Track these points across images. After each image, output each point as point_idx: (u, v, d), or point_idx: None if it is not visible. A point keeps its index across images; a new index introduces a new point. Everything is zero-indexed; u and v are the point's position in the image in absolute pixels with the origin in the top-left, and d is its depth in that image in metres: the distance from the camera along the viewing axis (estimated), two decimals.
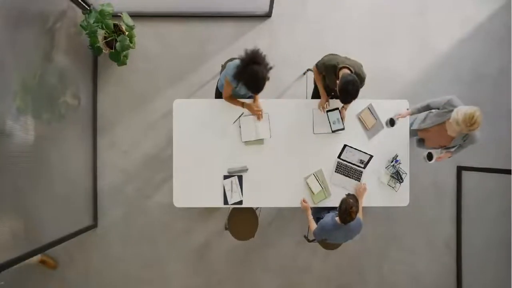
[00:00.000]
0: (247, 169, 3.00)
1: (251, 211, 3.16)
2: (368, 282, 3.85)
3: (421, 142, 3.12)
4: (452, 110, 2.54)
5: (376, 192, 3.05)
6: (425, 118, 2.96)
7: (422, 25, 3.90)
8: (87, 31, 3.30)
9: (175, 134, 3.00)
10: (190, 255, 3.77)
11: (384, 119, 3.05)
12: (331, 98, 3.14)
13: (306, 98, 3.72)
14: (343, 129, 3.01)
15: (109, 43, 3.52)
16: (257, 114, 2.93)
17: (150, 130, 3.76)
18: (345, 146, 2.96)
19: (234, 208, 3.15)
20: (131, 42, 3.50)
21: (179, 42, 3.78)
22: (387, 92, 3.84)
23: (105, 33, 3.47)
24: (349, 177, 3.04)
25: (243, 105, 2.92)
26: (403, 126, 3.07)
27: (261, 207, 3.48)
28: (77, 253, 3.73)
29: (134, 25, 3.47)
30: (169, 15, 3.74)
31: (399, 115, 2.94)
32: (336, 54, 2.77)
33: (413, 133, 3.14)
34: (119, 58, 3.48)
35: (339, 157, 3.02)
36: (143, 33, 3.73)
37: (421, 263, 3.87)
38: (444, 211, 3.86)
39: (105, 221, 3.74)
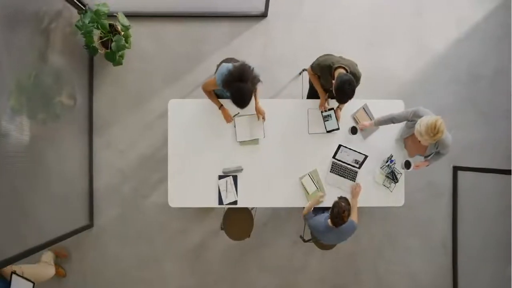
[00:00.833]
0: (242, 169, 3.00)
1: (246, 211, 3.17)
2: (364, 282, 3.85)
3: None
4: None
5: (371, 192, 3.05)
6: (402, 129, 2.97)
7: (418, 25, 3.90)
8: (82, 31, 3.30)
9: (170, 134, 3.00)
10: (186, 255, 3.77)
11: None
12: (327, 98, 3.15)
13: (302, 98, 3.73)
14: (338, 129, 3.01)
15: (105, 43, 3.51)
16: (228, 121, 2.95)
17: (146, 130, 3.76)
18: (340, 146, 2.96)
19: (229, 208, 3.16)
20: (126, 42, 3.50)
21: (175, 42, 3.78)
22: (384, 92, 3.84)
23: (100, 33, 3.47)
24: (344, 177, 3.04)
25: (220, 106, 2.92)
26: (398, 126, 3.07)
27: (256, 207, 3.48)
28: (73, 253, 3.74)
29: (130, 25, 3.47)
30: (165, 15, 3.74)
31: (362, 125, 2.97)
32: (330, 54, 2.77)
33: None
34: (114, 58, 3.48)
35: (334, 157, 3.02)
36: (139, 33, 3.73)
37: (417, 263, 3.87)
38: (440, 211, 3.86)
39: (101, 221, 3.74)
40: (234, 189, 3.00)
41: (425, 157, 2.86)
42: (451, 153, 3.83)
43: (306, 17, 3.84)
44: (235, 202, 3.00)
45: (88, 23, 3.28)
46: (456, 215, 3.84)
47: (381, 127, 3.05)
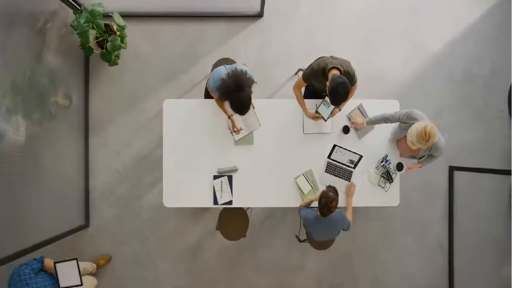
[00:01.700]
0: (237, 169, 3.00)
1: (241, 211, 3.16)
2: (360, 282, 3.85)
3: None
4: (412, 124, 2.52)
5: (366, 192, 3.05)
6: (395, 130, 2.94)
7: (415, 25, 3.90)
8: (77, 31, 3.30)
9: (165, 134, 3.00)
10: (182, 255, 3.77)
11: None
12: (323, 98, 3.14)
13: None
14: (325, 120, 2.90)
15: (101, 43, 3.52)
16: (236, 132, 2.92)
17: (142, 130, 3.76)
18: (334, 146, 2.96)
19: (224, 208, 3.16)
20: (122, 42, 3.50)
21: (171, 42, 3.78)
22: (380, 92, 3.84)
23: (96, 33, 3.47)
24: (339, 177, 3.04)
25: (229, 116, 2.90)
26: (393, 125, 3.07)
27: (252, 207, 3.48)
28: (69, 253, 3.73)
29: (125, 25, 3.47)
30: (160, 15, 3.74)
31: (355, 123, 2.96)
32: (322, 57, 2.76)
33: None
34: (110, 58, 3.49)
35: (329, 157, 3.02)
36: (134, 33, 3.73)
37: (413, 263, 3.87)
38: (436, 211, 3.86)
39: (97, 221, 3.74)
40: (229, 189, 3.00)
41: (418, 159, 2.85)
42: (447, 153, 3.86)
43: (302, 17, 3.84)
44: (230, 202, 3.00)
45: (84, 23, 3.28)
46: (452, 215, 3.84)
47: (376, 127, 3.05)
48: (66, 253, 3.72)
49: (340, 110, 2.97)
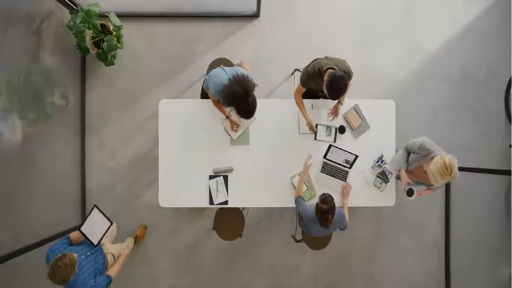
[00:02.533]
0: (232, 169, 3.00)
1: (237, 211, 3.17)
2: (356, 282, 3.85)
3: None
4: (426, 155, 2.56)
5: (362, 192, 3.05)
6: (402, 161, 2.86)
7: (411, 25, 3.90)
8: (73, 31, 3.30)
9: (161, 134, 3.00)
10: (179, 254, 3.78)
11: (369, 119, 3.06)
12: (319, 98, 3.14)
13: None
14: (338, 131, 2.92)
15: (97, 43, 3.52)
16: (236, 130, 2.94)
17: (139, 130, 3.77)
18: (330, 146, 2.96)
19: (220, 209, 3.16)
20: (118, 42, 3.50)
21: (167, 42, 3.78)
22: (376, 92, 3.84)
23: (93, 33, 3.47)
24: (335, 177, 3.04)
25: (227, 117, 2.91)
26: (389, 125, 3.08)
27: (248, 207, 3.49)
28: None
29: (121, 25, 3.47)
30: (157, 15, 3.74)
31: (419, 194, 2.80)
32: (317, 59, 2.74)
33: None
34: (106, 58, 3.49)
35: (324, 157, 3.02)
36: (131, 33, 3.74)
37: (409, 262, 3.87)
38: (433, 211, 3.86)
39: None
40: (224, 189, 3.00)
41: (431, 185, 2.79)
42: (443, 153, 3.85)
43: (298, 17, 3.84)
44: (225, 202, 3.00)
45: (80, 23, 3.28)
46: (449, 215, 3.84)
47: (372, 127, 3.06)
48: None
49: (342, 104, 2.94)
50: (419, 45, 3.90)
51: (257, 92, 2.57)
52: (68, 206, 3.62)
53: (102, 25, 3.46)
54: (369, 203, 3.07)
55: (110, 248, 2.93)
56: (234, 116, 2.91)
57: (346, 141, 3.05)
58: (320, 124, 3.00)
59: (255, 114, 2.94)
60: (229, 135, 2.99)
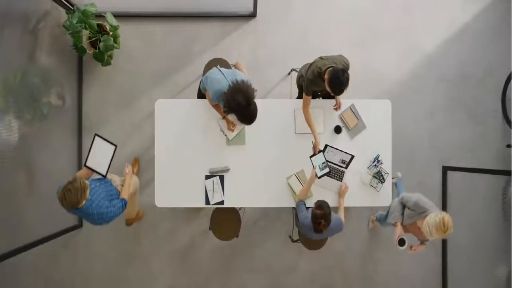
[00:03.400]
0: (228, 169, 3.00)
1: (233, 211, 3.16)
2: (353, 282, 3.85)
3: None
4: (421, 212, 2.61)
5: (358, 192, 3.05)
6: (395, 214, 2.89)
7: (408, 25, 3.90)
8: (70, 31, 3.30)
9: (157, 134, 3.00)
10: (176, 255, 3.78)
11: (366, 119, 3.06)
12: (319, 97, 3.14)
13: (291, 98, 3.73)
14: (329, 172, 2.89)
15: (94, 43, 3.52)
16: (231, 130, 2.95)
17: (135, 130, 3.77)
18: (326, 146, 2.96)
19: (216, 209, 3.16)
20: (115, 42, 3.50)
21: (164, 42, 3.78)
22: (373, 92, 3.84)
23: (89, 33, 3.47)
24: (331, 177, 3.03)
25: (224, 116, 2.91)
26: (386, 125, 3.08)
27: (245, 207, 3.49)
28: (62, 253, 3.74)
29: (118, 25, 3.47)
30: (153, 15, 3.74)
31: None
32: (312, 63, 2.72)
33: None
34: (103, 58, 3.49)
35: None
36: (128, 33, 3.73)
37: (406, 263, 3.87)
38: None
39: None
40: (220, 189, 3.00)
41: (426, 240, 2.84)
42: (440, 153, 3.87)
43: (295, 17, 3.84)
44: (221, 202, 3.00)
45: (76, 23, 3.28)
46: None
47: (368, 127, 3.05)
48: (59, 254, 3.73)
49: (340, 104, 2.97)
50: (417, 45, 3.90)
51: (255, 95, 2.57)
52: None
53: (98, 25, 3.46)
54: (365, 203, 3.07)
55: (118, 181, 2.90)
56: (231, 116, 2.91)
57: (342, 141, 3.05)
58: (323, 154, 2.87)
59: None
60: (225, 135, 2.99)
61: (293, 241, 3.46)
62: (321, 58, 2.68)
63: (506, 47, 3.90)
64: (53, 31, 3.43)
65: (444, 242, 3.84)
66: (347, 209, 3.75)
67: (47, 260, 3.72)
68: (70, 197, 2.22)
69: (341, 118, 3.06)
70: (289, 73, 3.79)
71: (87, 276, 3.75)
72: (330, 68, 2.50)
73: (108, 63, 3.56)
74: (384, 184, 3.04)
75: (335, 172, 3.03)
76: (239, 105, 2.36)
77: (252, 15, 3.76)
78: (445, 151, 3.87)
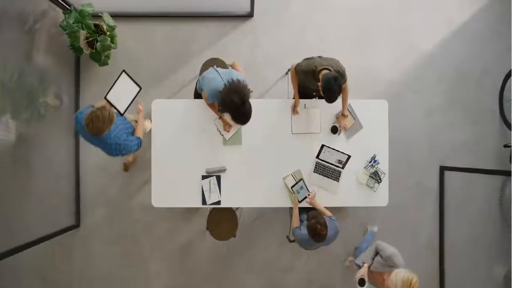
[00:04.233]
0: (225, 169, 3.00)
1: (230, 211, 3.17)
2: (351, 282, 3.85)
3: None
4: (391, 266, 2.64)
5: (354, 193, 3.05)
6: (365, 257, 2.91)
7: (406, 25, 3.89)
8: (66, 31, 3.30)
9: (154, 134, 3.00)
10: (173, 255, 3.78)
11: (362, 119, 3.06)
12: (315, 97, 3.14)
13: (288, 98, 3.73)
14: (308, 195, 2.95)
15: (91, 43, 3.51)
16: (227, 131, 2.96)
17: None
18: (323, 146, 2.96)
19: (213, 209, 3.16)
20: (112, 42, 3.50)
21: (161, 42, 3.78)
22: (370, 92, 3.83)
23: (87, 33, 3.47)
24: (328, 177, 3.04)
25: (220, 116, 2.91)
26: (382, 126, 3.07)
27: (242, 207, 3.49)
28: (60, 253, 3.74)
29: (115, 25, 3.47)
30: (151, 15, 3.74)
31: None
32: (311, 58, 2.75)
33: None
34: (100, 58, 3.49)
35: (317, 157, 3.02)
36: (125, 33, 3.73)
37: (404, 262, 3.86)
38: (427, 211, 3.86)
39: (88, 221, 3.75)
40: (217, 189, 3.00)
41: None
42: (438, 153, 3.87)
43: (292, 17, 3.84)
44: (218, 202, 3.00)
45: (73, 23, 3.28)
46: (443, 215, 3.84)
47: (365, 127, 3.05)
48: (56, 254, 3.73)
49: (346, 116, 2.98)
50: (414, 45, 3.89)
51: (251, 95, 2.59)
52: (62, 206, 3.63)
53: (95, 25, 3.46)
54: (362, 203, 3.07)
55: (131, 119, 2.94)
56: (226, 116, 2.91)
57: (339, 141, 3.05)
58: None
59: None
60: (222, 135, 2.99)
61: (290, 241, 3.46)
62: (319, 57, 2.70)
63: (504, 47, 3.90)
64: (50, 31, 3.43)
65: (441, 242, 3.84)
66: (344, 209, 3.76)
67: (44, 260, 3.72)
68: (97, 124, 2.25)
69: (337, 118, 3.06)
70: (286, 73, 3.79)
71: (85, 276, 3.76)
72: (324, 75, 2.51)
73: (105, 63, 3.56)
74: (380, 184, 3.04)
75: (331, 172, 3.03)
76: (233, 104, 2.37)
77: (249, 15, 3.76)
78: (442, 151, 3.87)
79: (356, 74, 3.76)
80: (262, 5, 3.76)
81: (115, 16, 3.55)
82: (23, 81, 3.07)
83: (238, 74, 2.62)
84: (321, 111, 3.04)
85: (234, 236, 3.24)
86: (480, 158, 3.87)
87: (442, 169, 3.82)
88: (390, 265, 2.66)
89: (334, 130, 3.02)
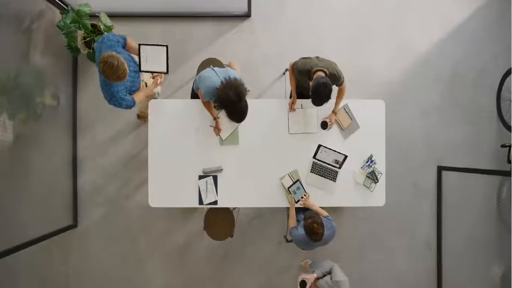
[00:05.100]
0: (222, 169, 3.00)
1: (227, 211, 3.16)
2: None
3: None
4: None
5: (351, 192, 3.05)
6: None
7: (402, 25, 3.90)
8: (63, 32, 3.30)
9: (151, 134, 3.00)
10: (170, 254, 3.78)
11: (359, 119, 3.06)
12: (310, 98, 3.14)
13: (285, 98, 3.73)
14: (302, 197, 2.97)
15: (88, 43, 3.52)
16: (216, 133, 2.95)
17: (130, 130, 3.77)
18: (319, 146, 2.96)
19: (210, 209, 3.16)
20: None
21: (158, 42, 3.76)
22: (367, 92, 3.83)
23: (84, 33, 3.47)
24: (325, 177, 3.03)
25: (215, 118, 2.91)
26: (379, 125, 3.07)
27: (239, 207, 3.48)
28: (57, 252, 3.74)
29: (112, 25, 3.47)
30: (148, 15, 3.74)
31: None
32: (308, 57, 2.75)
33: None
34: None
35: (314, 157, 3.02)
36: (122, 33, 3.67)
37: (401, 262, 3.87)
38: (425, 211, 3.86)
39: (85, 221, 3.75)
40: (214, 189, 3.00)
41: None
42: (435, 153, 3.87)
43: (289, 17, 3.84)
44: (215, 202, 3.00)
45: (70, 23, 3.29)
46: (441, 215, 3.84)
47: (361, 127, 3.05)
48: (54, 254, 3.73)
49: (336, 114, 2.98)
50: (411, 45, 3.89)
51: (248, 94, 2.60)
52: (59, 205, 3.63)
53: (93, 25, 3.46)
54: (359, 203, 3.07)
55: (146, 79, 2.95)
56: (222, 118, 2.91)
57: (335, 141, 3.05)
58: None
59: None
60: (218, 135, 2.99)
61: (287, 241, 3.46)
62: (317, 57, 2.70)
63: (501, 47, 3.90)
64: (47, 31, 3.43)
65: (439, 242, 3.84)
66: (340, 209, 3.76)
67: (41, 260, 3.72)
68: (111, 70, 2.32)
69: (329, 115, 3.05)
70: (283, 73, 3.79)
71: (82, 275, 3.76)
72: (316, 77, 2.52)
73: None
74: (377, 184, 3.04)
75: (328, 172, 3.03)
76: (230, 100, 2.38)
77: (247, 15, 3.76)
78: (440, 151, 3.87)
79: (353, 74, 3.77)
80: (259, 5, 3.76)
81: (112, 16, 3.55)
82: (20, 81, 3.06)
83: (235, 73, 2.62)
84: (318, 111, 3.04)
85: (232, 236, 3.24)
86: (477, 158, 3.88)
87: (440, 169, 3.82)
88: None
89: (324, 125, 3.00)
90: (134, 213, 3.75)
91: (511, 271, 3.74)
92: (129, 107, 2.68)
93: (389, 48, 3.88)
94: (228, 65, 3.00)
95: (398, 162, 3.81)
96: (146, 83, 2.92)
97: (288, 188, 2.99)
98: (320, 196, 3.01)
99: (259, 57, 3.81)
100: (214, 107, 2.57)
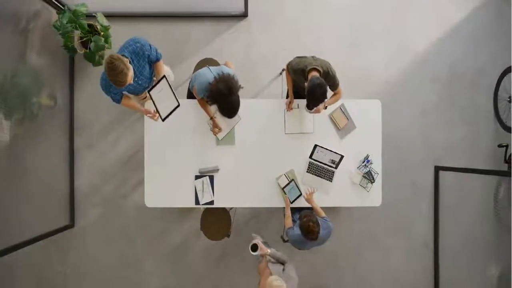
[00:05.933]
0: (218, 169, 3.00)
1: (223, 211, 3.17)
2: (345, 282, 3.85)
3: None
4: (274, 263, 2.73)
5: (347, 193, 3.05)
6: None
7: (400, 25, 3.89)
8: (60, 32, 3.30)
9: (147, 134, 3.01)
10: (168, 255, 3.78)
11: (356, 119, 3.05)
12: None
13: (282, 98, 3.72)
14: (300, 195, 2.99)
15: (85, 43, 3.51)
16: (215, 133, 2.94)
17: (127, 130, 3.77)
18: (316, 146, 2.96)
19: (206, 209, 3.16)
20: (106, 42, 3.49)
21: (156, 42, 3.69)
22: (365, 92, 3.83)
23: (80, 33, 3.47)
24: (321, 177, 3.03)
25: (211, 117, 2.91)
26: (376, 125, 3.07)
27: (236, 207, 3.49)
28: (54, 253, 3.74)
29: (109, 25, 3.47)
30: (145, 15, 3.74)
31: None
32: (303, 57, 2.76)
33: None
34: (94, 58, 3.49)
35: (310, 157, 3.02)
36: (119, 33, 3.71)
37: (398, 262, 3.87)
38: (422, 211, 3.86)
39: (82, 221, 3.75)
40: (210, 189, 3.00)
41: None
42: (432, 153, 3.87)
43: (287, 17, 3.84)
44: (211, 202, 3.00)
45: (66, 23, 3.28)
46: (438, 215, 3.84)
47: (358, 127, 3.05)
48: (51, 254, 3.74)
49: (325, 108, 2.92)
50: (409, 44, 3.89)
51: (244, 92, 2.59)
52: (56, 205, 3.63)
53: (89, 25, 3.46)
54: (355, 203, 3.07)
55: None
56: (218, 117, 2.91)
57: (332, 141, 3.04)
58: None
59: (240, 114, 2.96)
60: (215, 135, 2.99)
61: (284, 241, 3.46)
62: (312, 57, 2.70)
63: (499, 47, 3.89)
64: (43, 31, 3.43)
65: (436, 242, 3.84)
66: (338, 209, 3.76)
67: (39, 260, 3.73)
68: (112, 72, 2.21)
69: (330, 118, 3.06)
70: (280, 73, 3.79)
71: (79, 275, 3.76)
72: (311, 78, 2.52)
73: (100, 63, 3.56)
74: (374, 184, 3.04)
75: (325, 172, 3.03)
76: (220, 93, 2.41)
77: (244, 15, 3.76)
78: (437, 151, 3.87)
79: (351, 74, 3.77)
80: (256, 5, 3.76)
81: (109, 16, 3.54)
82: (16, 81, 3.06)
83: (228, 69, 2.65)
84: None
85: (228, 236, 3.24)
86: (475, 157, 3.87)
87: (437, 169, 3.82)
88: (283, 261, 2.72)
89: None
90: (131, 213, 3.75)
91: (511, 270, 3.74)
92: (114, 101, 2.68)
93: (388, 48, 3.88)
94: (224, 65, 3.00)
95: (396, 161, 3.81)
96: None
97: (283, 188, 2.99)
98: (317, 196, 3.00)
99: (256, 57, 3.81)
100: (207, 102, 2.59)
